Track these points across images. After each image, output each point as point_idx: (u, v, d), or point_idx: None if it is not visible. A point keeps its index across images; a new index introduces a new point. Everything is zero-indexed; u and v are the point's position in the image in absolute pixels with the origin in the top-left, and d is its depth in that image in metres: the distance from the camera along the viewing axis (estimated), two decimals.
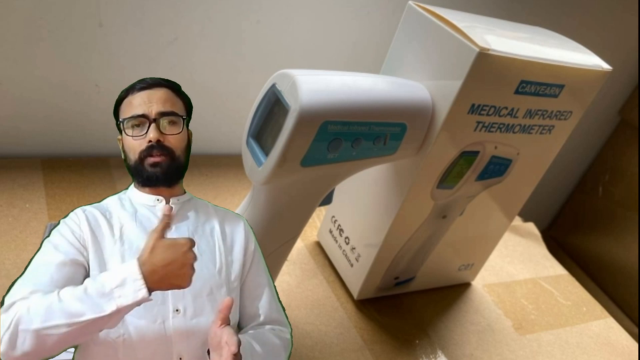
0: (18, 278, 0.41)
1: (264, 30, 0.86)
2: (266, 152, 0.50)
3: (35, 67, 0.76)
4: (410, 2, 0.58)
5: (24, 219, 0.71)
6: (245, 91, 0.90)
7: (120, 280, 0.38)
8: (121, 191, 0.51)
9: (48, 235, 0.45)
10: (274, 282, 0.52)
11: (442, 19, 0.53)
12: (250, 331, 0.48)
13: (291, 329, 0.50)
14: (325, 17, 0.89)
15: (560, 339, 0.78)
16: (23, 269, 0.42)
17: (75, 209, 0.47)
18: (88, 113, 0.84)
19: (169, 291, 0.43)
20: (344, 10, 0.89)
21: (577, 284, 0.93)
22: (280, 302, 0.51)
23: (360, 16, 0.91)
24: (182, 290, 0.43)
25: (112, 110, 0.50)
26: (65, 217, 0.46)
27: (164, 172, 0.48)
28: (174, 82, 0.51)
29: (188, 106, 0.52)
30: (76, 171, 0.82)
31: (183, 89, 0.52)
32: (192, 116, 0.52)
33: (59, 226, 0.45)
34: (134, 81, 0.50)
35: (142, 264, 0.39)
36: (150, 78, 0.50)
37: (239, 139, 0.55)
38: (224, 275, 0.47)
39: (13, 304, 0.38)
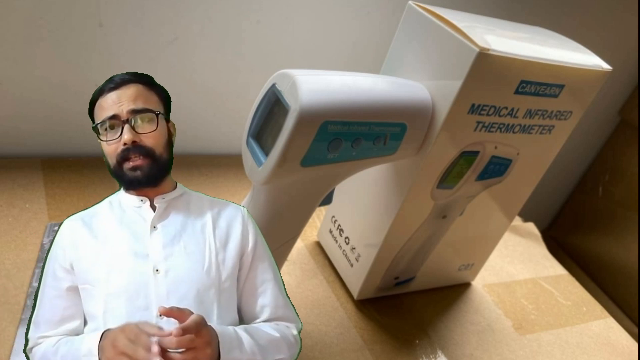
0: (32, 313, 0.45)
1: (264, 30, 0.86)
2: (266, 152, 0.50)
3: (35, 67, 0.76)
4: (410, 2, 0.58)
5: (24, 219, 0.71)
6: (245, 91, 0.90)
7: (86, 350, 0.40)
8: (116, 192, 0.51)
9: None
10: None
11: (442, 19, 0.54)
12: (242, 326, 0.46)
13: (301, 326, 0.49)
14: (325, 17, 0.89)
15: (560, 339, 0.78)
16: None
17: (64, 220, 0.47)
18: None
19: (153, 296, 0.43)
20: (344, 10, 0.89)
21: (577, 284, 0.93)
22: (288, 297, 0.50)
23: (360, 16, 0.91)
24: (166, 293, 0.43)
25: (88, 113, 0.49)
26: (54, 237, 0.47)
27: (146, 174, 0.46)
28: (144, 75, 0.48)
29: (165, 99, 0.50)
30: (76, 171, 0.82)
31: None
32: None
33: (49, 255, 0.46)
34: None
35: (104, 337, 0.40)
36: (119, 75, 0.47)
37: (239, 139, 0.55)
38: (213, 275, 0.45)
39: (31, 349, 0.43)
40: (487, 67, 0.51)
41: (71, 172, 0.81)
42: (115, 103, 0.46)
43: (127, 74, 0.48)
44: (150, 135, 0.46)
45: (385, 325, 0.71)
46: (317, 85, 0.48)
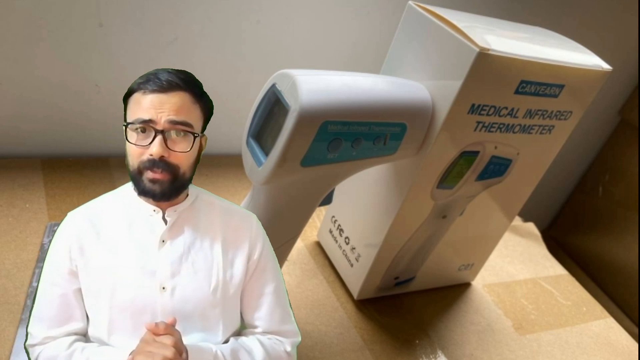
0: (32, 306, 0.45)
1: (264, 30, 0.86)
2: (266, 152, 0.50)
3: (35, 67, 0.76)
4: (410, 2, 0.58)
5: (24, 219, 0.71)
6: (245, 91, 0.90)
7: None
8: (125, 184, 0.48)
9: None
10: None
11: (442, 19, 0.53)
12: (233, 340, 0.46)
13: (299, 340, 0.48)
14: (325, 17, 0.89)
15: (560, 339, 0.78)
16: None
17: (67, 215, 0.46)
18: (88, 113, 0.84)
19: (159, 312, 0.43)
20: (344, 10, 0.89)
21: (577, 284, 0.93)
22: (290, 308, 0.49)
23: (360, 16, 0.91)
24: (172, 312, 0.43)
25: (120, 103, 0.45)
26: (57, 231, 0.45)
27: (163, 190, 0.43)
28: (195, 83, 0.45)
29: (208, 111, 0.46)
30: (76, 171, 0.82)
31: None
32: None
33: (50, 251, 0.45)
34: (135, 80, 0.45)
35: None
36: (168, 75, 0.42)
37: (239, 139, 0.55)
38: (219, 294, 0.44)
39: (34, 345, 0.43)
40: (487, 67, 0.51)
41: (71, 172, 0.81)
42: (155, 107, 0.42)
43: (178, 76, 0.43)
44: (181, 154, 0.43)
45: (385, 325, 0.71)
46: (317, 85, 0.48)
